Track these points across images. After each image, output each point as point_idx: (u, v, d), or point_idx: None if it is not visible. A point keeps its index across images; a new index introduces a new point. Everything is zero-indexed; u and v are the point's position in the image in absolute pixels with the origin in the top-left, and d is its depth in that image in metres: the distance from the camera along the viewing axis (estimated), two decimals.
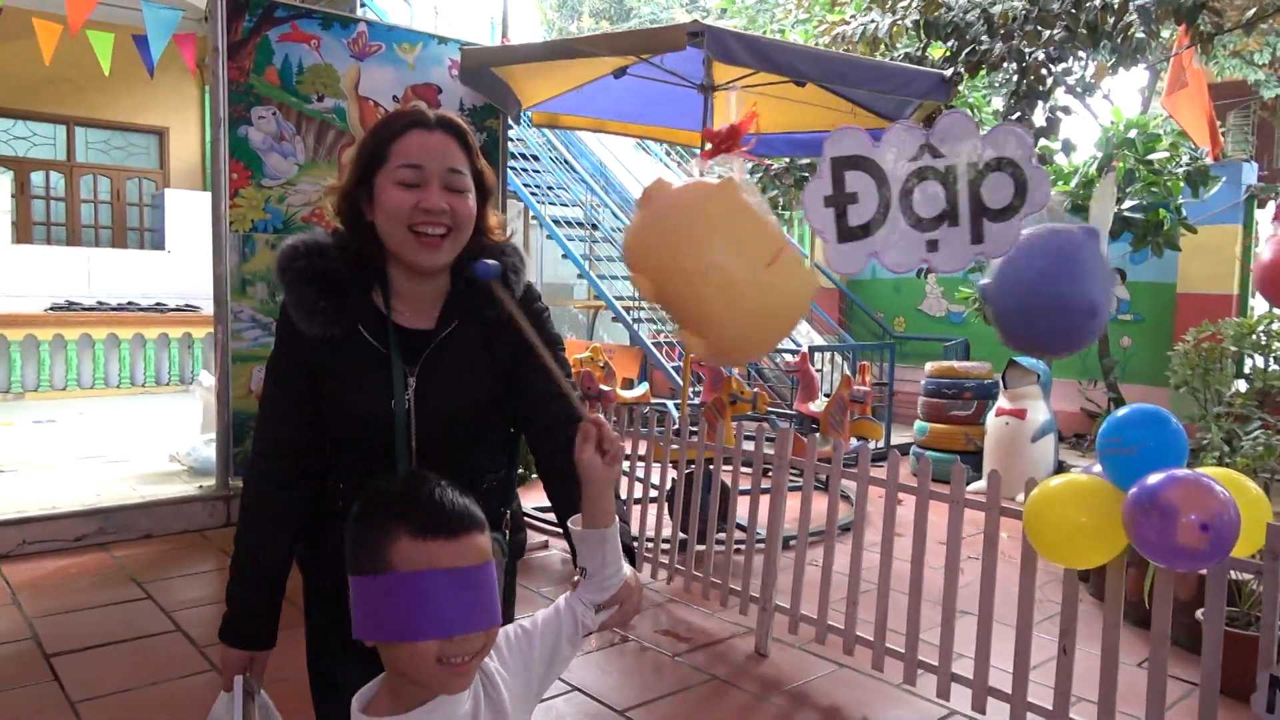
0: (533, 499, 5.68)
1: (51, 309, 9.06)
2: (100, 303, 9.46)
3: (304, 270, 1.46)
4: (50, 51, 6.38)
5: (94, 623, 3.62)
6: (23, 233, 10.26)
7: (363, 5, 6.96)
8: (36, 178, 10.63)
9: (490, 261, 1.38)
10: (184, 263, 10.03)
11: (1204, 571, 2.66)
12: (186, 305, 9.92)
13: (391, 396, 1.46)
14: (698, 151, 5.50)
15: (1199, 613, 3.13)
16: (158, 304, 9.78)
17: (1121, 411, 2.37)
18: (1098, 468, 2.42)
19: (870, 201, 2.93)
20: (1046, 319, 3.21)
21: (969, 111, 3.98)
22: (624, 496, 4.41)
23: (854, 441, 5.81)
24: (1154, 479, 2.14)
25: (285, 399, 1.53)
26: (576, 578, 1.29)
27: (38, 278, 9.19)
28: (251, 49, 4.87)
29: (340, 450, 1.55)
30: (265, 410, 1.57)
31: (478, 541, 1.11)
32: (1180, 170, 6.08)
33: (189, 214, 10.13)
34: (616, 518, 1.28)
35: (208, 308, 9.61)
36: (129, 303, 9.62)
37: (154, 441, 6.50)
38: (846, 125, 3.00)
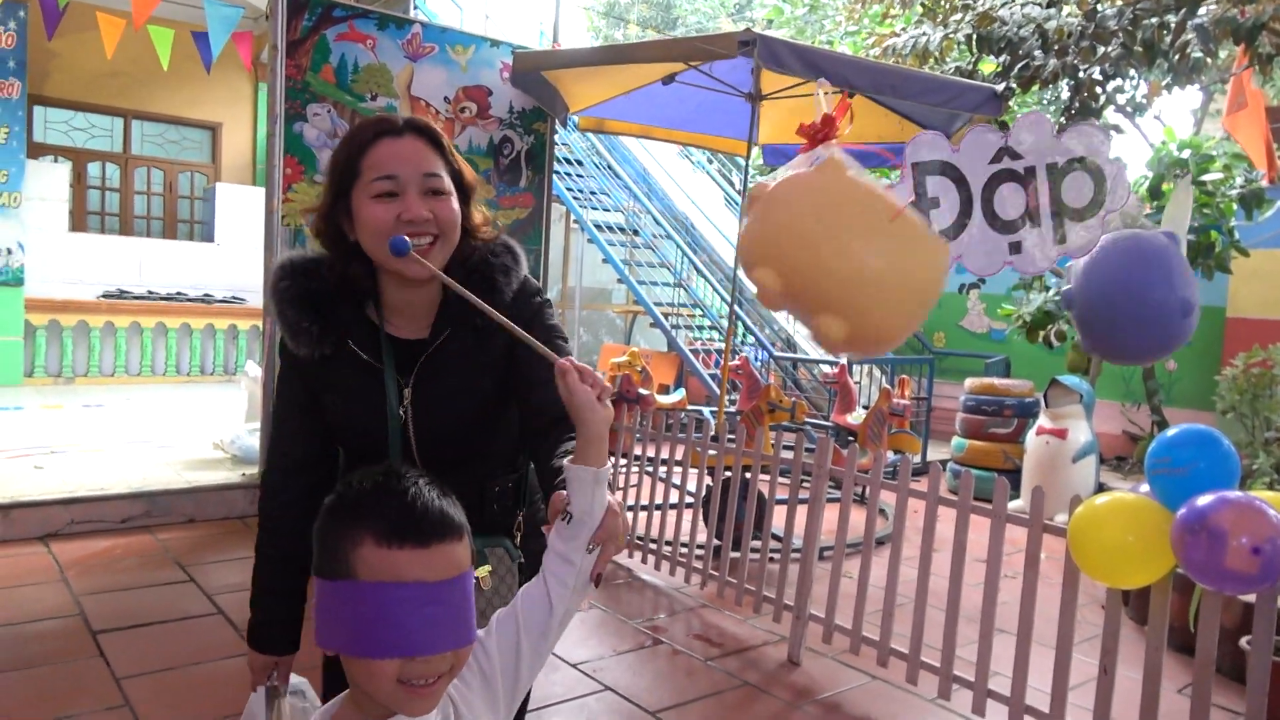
0: None
1: (104, 297, 9.28)
2: (150, 292, 9.68)
3: (288, 291, 1.45)
4: (113, 46, 6.57)
5: (138, 602, 3.70)
6: (78, 222, 10.51)
7: (415, 7, 7.06)
8: (93, 169, 10.89)
9: (403, 236, 1.32)
10: (232, 255, 10.23)
11: (1251, 598, 2.61)
12: (233, 297, 10.12)
13: (387, 409, 1.45)
14: (742, 159, 5.53)
15: (1244, 640, 3.08)
16: (205, 295, 9.99)
17: (1172, 431, 2.34)
18: (1145, 487, 2.39)
19: (952, 207, 2.92)
20: (1139, 322, 3.22)
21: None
22: (659, 502, 4.43)
23: (891, 455, 5.77)
24: (1204, 500, 2.12)
25: (292, 414, 1.54)
26: (562, 520, 1.18)
27: (91, 266, 9.42)
28: (309, 47, 4.97)
29: (351, 458, 1.55)
30: (275, 425, 1.57)
31: (452, 551, 1.00)
32: (1234, 192, 5.99)
33: (238, 208, 10.34)
34: (610, 464, 1.22)
35: (254, 300, 9.86)
36: (178, 293, 9.83)
37: (198, 429, 6.63)
38: (924, 132, 3.01)
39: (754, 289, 1.75)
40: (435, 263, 1.40)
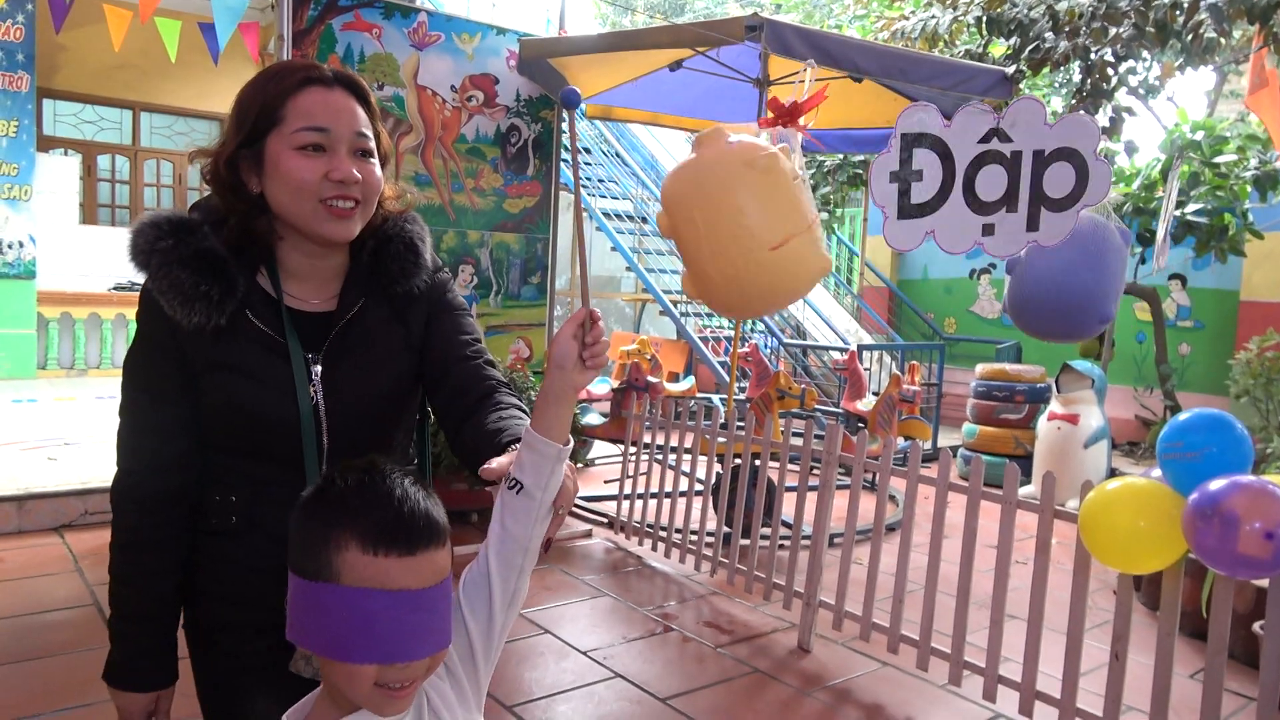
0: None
1: (115, 289, 9.31)
2: None
3: (173, 250, 1.24)
4: (120, 38, 6.58)
5: None
6: (89, 214, 10.54)
7: None
8: (103, 161, 10.92)
9: (574, 88, 1.19)
10: None
11: (1264, 583, 2.60)
12: None
13: (295, 391, 1.28)
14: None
15: (1257, 625, 3.06)
16: None
17: (1184, 415, 2.32)
18: (1157, 472, 2.37)
19: (934, 180, 2.93)
20: (1058, 310, 3.39)
21: None
22: (669, 489, 4.43)
23: (901, 441, 5.76)
24: (1216, 484, 2.10)
25: (156, 405, 1.29)
26: (510, 488, 1.09)
27: (102, 258, 9.43)
28: (315, 37, 4.96)
29: (230, 456, 1.32)
30: (132, 421, 1.32)
31: (437, 557, 0.98)
32: (1248, 174, 5.93)
33: None
34: (571, 442, 1.12)
35: None
36: None
37: None
38: (917, 103, 3.00)
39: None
40: (356, 227, 1.30)
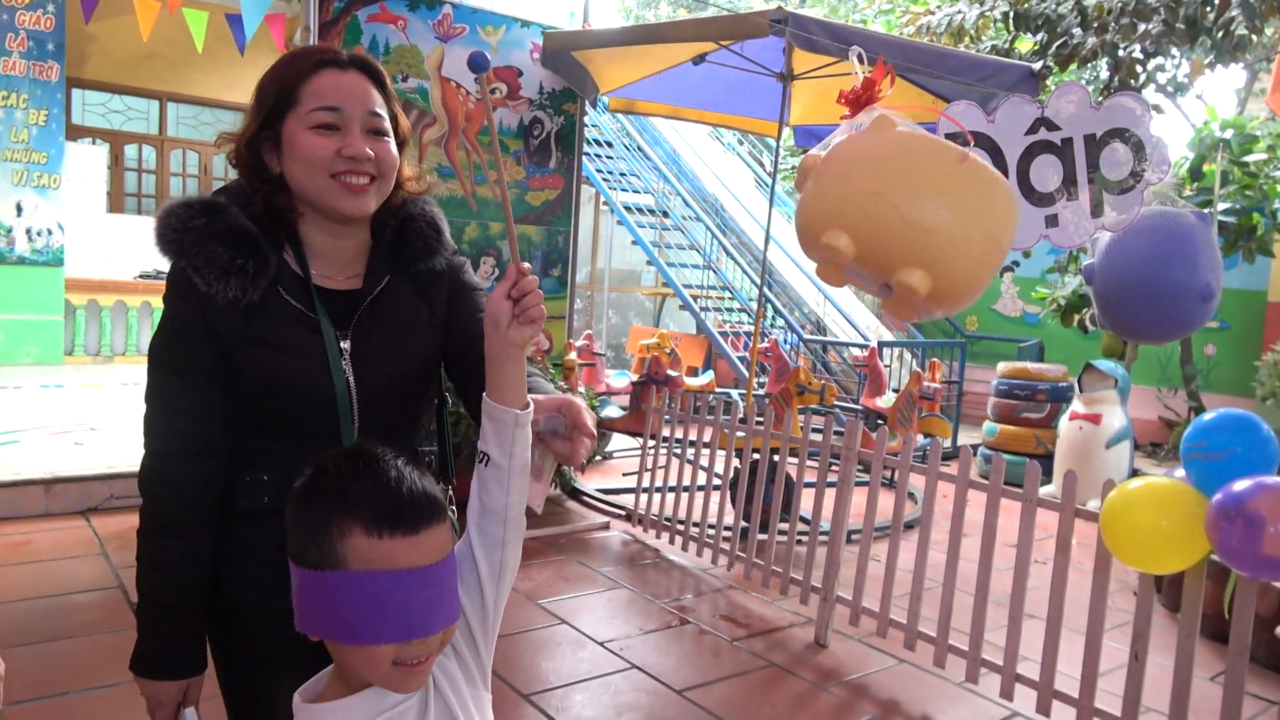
0: (595, 480, 5.73)
1: (141, 277, 9.40)
2: None
3: (207, 227, 1.26)
4: (148, 28, 6.63)
5: None
6: (116, 203, 10.65)
7: None
8: (130, 151, 11.03)
9: (482, 52, 1.18)
10: None
11: None
12: None
13: (328, 366, 1.29)
14: (773, 141, 5.48)
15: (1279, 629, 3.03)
16: None
17: (1209, 415, 2.30)
18: (1180, 472, 2.35)
19: None
20: (1154, 302, 3.19)
21: None
22: (687, 483, 4.43)
23: (921, 438, 5.74)
24: (1240, 485, 2.08)
25: (189, 387, 1.29)
26: (480, 463, 1.12)
27: (129, 247, 9.53)
28: (341, 29, 4.99)
29: (262, 436, 1.32)
30: (164, 404, 1.30)
31: (440, 533, 1.00)
32: (1278, 173, 5.85)
33: None
34: (532, 405, 1.12)
35: None
36: None
37: None
38: (959, 102, 2.95)
39: (812, 265, 1.71)
40: (372, 203, 1.32)
